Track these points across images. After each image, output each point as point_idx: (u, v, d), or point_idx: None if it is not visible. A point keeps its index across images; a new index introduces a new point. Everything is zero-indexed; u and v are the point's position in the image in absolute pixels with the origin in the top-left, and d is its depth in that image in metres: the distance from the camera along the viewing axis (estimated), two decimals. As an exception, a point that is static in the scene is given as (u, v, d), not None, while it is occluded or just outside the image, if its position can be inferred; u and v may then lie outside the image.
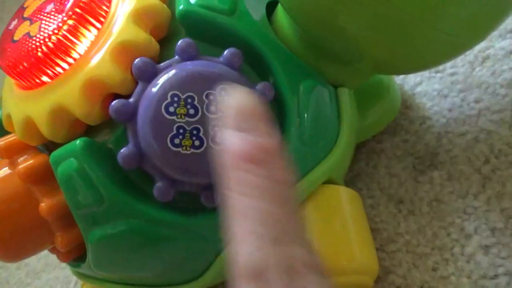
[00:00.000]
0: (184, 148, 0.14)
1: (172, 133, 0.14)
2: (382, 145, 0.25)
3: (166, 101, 0.14)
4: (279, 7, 0.21)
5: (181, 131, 0.14)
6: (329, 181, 0.20)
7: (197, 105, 0.15)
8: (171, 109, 0.14)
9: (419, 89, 0.26)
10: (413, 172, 0.23)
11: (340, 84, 0.21)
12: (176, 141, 0.14)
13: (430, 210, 0.22)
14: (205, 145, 0.15)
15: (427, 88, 0.26)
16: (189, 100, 0.14)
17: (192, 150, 0.15)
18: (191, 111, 0.14)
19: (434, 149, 0.23)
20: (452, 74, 0.26)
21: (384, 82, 0.24)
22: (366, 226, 0.21)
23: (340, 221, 0.20)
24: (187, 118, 0.14)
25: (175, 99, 0.14)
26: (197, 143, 0.15)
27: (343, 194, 0.20)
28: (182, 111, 0.14)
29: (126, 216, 0.17)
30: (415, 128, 0.25)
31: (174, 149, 0.14)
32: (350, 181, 0.25)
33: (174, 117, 0.14)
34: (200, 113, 0.15)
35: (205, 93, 0.15)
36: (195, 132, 0.14)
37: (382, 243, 0.22)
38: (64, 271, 0.31)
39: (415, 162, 0.24)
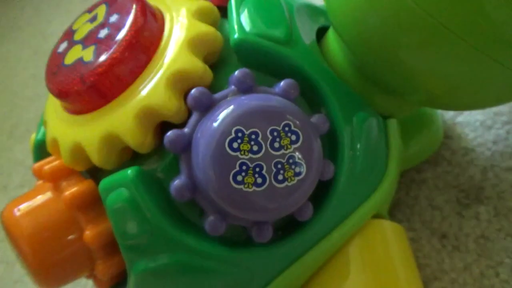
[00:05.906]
0: (246, 185, 0.14)
1: (235, 170, 0.14)
2: (423, 175, 0.25)
3: (230, 137, 0.14)
4: (330, 33, 0.20)
5: (244, 168, 0.14)
6: (375, 215, 0.20)
7: (261, 141, 0.14)
8: (235, 145, 0.14)
9: (460, 119, 0.26)
10: (457, 206, 0.23)
11: (388, 114, 0.20)
12: (239, 178, 0.14)
13: (476, 247, 0.21)
14: (267, 182, 0.14)
15: (469, 118, 0.26)
16: (253, 136, 0.14)
17: (254, 188, 0.14)
18: (255, 148, 0.14)
19: (479, 182, 0.23)
20: (495, 105, 0.25)
21: (427, 110, 0.24)
22: (413, 263, 0.20)
23: (387, 258, 0.19)
24: (250, 155, 0.14)
25: (239, 134, 0.14)
26: (259, 180, 0.14)
27: (390, 229, 0.20)
28: (246, 147, 0.14)
29: (173, 249, 0.16)
30: (457, 159, 0.24)
31: (236, 186, 0.14)
32: (389, 211, 0.24)
33: (237, 153, 0.14)
34: (263, 150, 0.14)
35: (269, 129, 0.14)
36: (257, 169, 0.14)
37: (426, 279, 0.21)
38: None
39: (459, 196, 0.23)
